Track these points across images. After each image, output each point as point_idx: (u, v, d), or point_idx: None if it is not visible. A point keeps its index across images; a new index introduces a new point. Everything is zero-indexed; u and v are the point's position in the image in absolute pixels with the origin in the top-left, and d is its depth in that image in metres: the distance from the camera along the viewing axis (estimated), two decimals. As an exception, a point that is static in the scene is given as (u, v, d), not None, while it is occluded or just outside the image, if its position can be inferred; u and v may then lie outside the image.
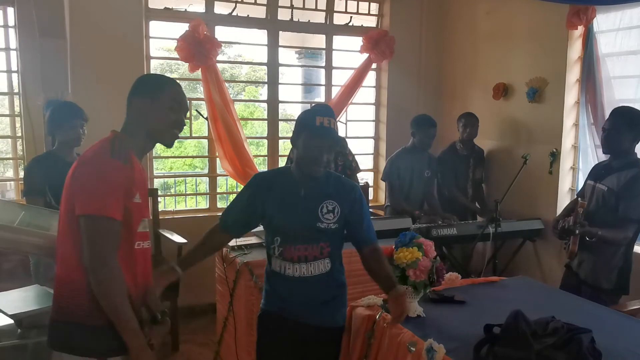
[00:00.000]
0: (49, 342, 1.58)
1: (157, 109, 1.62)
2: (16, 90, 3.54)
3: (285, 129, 8.88)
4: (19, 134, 3.58)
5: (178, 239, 3.40)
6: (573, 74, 3.64)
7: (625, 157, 2.63)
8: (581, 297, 2.38)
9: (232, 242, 2.91)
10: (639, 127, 2.58)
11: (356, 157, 3.70)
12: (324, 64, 4.61)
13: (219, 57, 4.00)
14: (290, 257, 1.93)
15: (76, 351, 1.54)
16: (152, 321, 1.66)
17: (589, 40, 3.47)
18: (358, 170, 3.68)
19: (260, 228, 3.00)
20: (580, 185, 3.18)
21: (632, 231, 2.59)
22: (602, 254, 2.66)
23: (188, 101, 1.70)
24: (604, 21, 3.45)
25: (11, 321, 2.58)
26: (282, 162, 4.44)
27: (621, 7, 3.30)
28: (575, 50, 3.61)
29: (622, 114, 2.63)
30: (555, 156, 3.69)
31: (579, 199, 2.81)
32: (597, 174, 2.77)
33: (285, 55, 6.44)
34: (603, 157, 2.95)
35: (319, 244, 1.93)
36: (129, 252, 1.57)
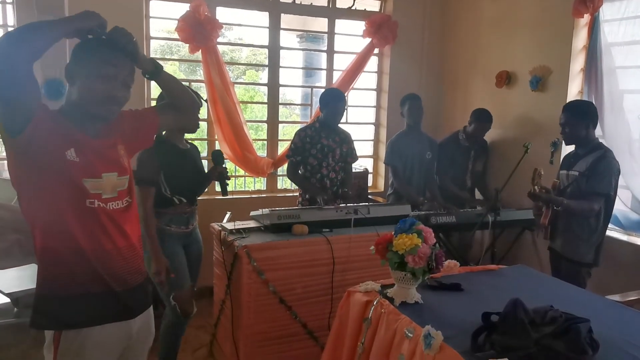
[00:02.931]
0: (33, 320, 1.54)
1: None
2: (14, 69, 3.50)
3: (285, 114, 8.84)
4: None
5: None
6: (577, 63, 3.60)
7: (588, 143, 2.94)
8: (579, 288, 2.38)
9: (230, 225, 2.92)
10: (588, 116, 2.92)
11: (356, 143, 3.69)
12: (325, 48, 4.56)
13: (220, 40, 3.95)
14: None
15: (60, 323, 1.52)
16: None
17: (594, 29, 3.42)
18: (356, 158, 3.68)
19: (260, 212, 3.04)
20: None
21: (597, 204, 2.85)
22: (584, 233, 2.92)
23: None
24: (609, 9, 3.40)
25: (8, 300, 2.58)
26: (281, 147, 4.42)
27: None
28: (580, 39, 3.57)
29: (569, 108, 3.00)
30: (556, 146, 3.67)
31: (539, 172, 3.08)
32: (567, 163, 3.07)
33: (287, 39, 6.37)
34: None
35: None
36: (76, 209, 1.51)
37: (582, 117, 2.91)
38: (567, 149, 3.68)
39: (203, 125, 4.15)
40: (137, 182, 2.47)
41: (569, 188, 2.99)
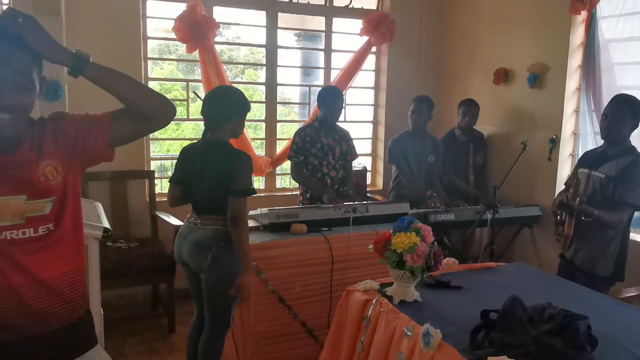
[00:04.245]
0: None
1: None
2: (11, 69, 3.48)
3: (283, 113, 8.83)
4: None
5: (174, 221, 3.39)
6: (575, 59, 3.60)
7: (621, 144, 2.64)
8: (578, 284, 2.38)
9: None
10: (638, 116, 2.60)
11: (354, 141, 3.68)
12: (323, 47, 4.56)
13: (217, 39, 3.94)
14: None
15: None
16: None
17: (591, 25, 3.42)
18: (356, 156, 3.68)
19: (258, 211, 3.04)
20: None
21: (627, 215, 2.61)
22: (599, 242, 2.67)
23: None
24: (607, 6, 3.40)
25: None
26: (280, 146, 4.42)
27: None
28: (577, 35, 3.58)
29: (626, 101, 2.62)
30: (554, 142, 3.68)
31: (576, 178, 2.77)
32: (591, 161, 2.75)
33: (284, 38, 6.37)
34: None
35: None
36: None
37: (635, 114, 2.59)
38: (566, 147, 3.69)
39: (201, 124, 4.13)
40: (243, 194, 2.29)
41: (596, 195, 2.66)
